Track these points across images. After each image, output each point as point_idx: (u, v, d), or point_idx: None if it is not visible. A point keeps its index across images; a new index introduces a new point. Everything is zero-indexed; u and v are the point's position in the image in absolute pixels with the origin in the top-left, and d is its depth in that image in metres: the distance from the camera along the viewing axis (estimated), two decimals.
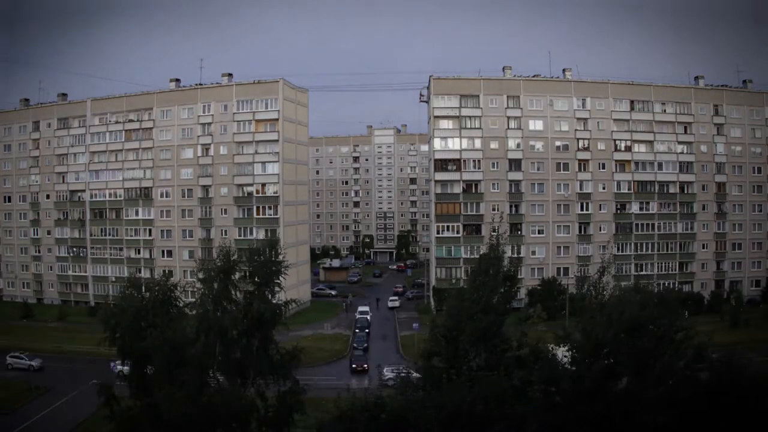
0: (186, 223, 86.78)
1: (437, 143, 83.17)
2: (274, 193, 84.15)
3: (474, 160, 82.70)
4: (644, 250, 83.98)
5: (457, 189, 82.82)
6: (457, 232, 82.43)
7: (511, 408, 17.67)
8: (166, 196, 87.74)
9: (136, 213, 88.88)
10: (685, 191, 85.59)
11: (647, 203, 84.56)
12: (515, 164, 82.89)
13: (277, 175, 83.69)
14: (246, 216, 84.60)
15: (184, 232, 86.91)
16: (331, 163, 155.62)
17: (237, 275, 26.21)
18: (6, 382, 54.75)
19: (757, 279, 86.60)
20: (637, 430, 18.40)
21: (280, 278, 26.58)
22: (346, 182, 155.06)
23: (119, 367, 48.94)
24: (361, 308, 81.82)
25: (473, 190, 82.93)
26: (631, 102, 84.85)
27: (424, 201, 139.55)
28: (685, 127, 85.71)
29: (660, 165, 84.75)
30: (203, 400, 22.96)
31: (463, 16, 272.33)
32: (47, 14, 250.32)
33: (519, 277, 68.36)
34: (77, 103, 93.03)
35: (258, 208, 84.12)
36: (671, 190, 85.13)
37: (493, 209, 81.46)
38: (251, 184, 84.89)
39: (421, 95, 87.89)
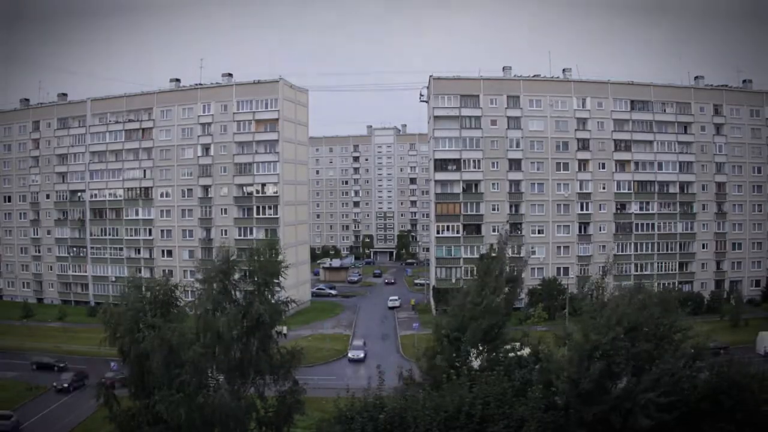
0: (186, 223, 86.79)
1: (437, 143, 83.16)
2: (274, 193, 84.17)
3: (474, 160, 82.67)
4: (644, 250, 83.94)
5: (457, 189, 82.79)
6: (457, 232, 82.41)
7: (511, 408, 17.65)
8: (166, 196, 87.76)
9: (136, 213, 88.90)
10: (685, 191, 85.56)
11: (647, 203, 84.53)
12: (515, 164, 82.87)
13: (277, 175, 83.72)
14: (246, 216, 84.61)
15: (184, 232, 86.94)
16: (331, 163, 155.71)
17: (237, 275, 26.21)
18: (6, 382, 54.83)
19: (757, 279, 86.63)
20: (637, 430, 18.40)
21: (280, 278, 26.58)
22: (346, 182, 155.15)
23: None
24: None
25: (473, 190, 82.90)
26: (631, 102, 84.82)
27: (424, 201, 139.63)
28: (685, 127, 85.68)
29: (660, 165, 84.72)
30: (202, 400, 22.96)
31: (464, 15, 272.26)
32: (47, 14, 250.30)
33: (522, 277, 68.45)
34: (77, 103, 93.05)
35: (258, 208, 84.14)
36: (671, 190, 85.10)
37: (493, 209, 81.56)
38: (251, 184, 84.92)
39: (421, 95, 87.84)
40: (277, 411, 26.11)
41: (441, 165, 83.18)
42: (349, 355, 64.05)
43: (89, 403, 34.41)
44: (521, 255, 78.00)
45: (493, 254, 24.56)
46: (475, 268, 26.05)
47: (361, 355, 63.28)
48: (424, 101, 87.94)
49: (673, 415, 18.20)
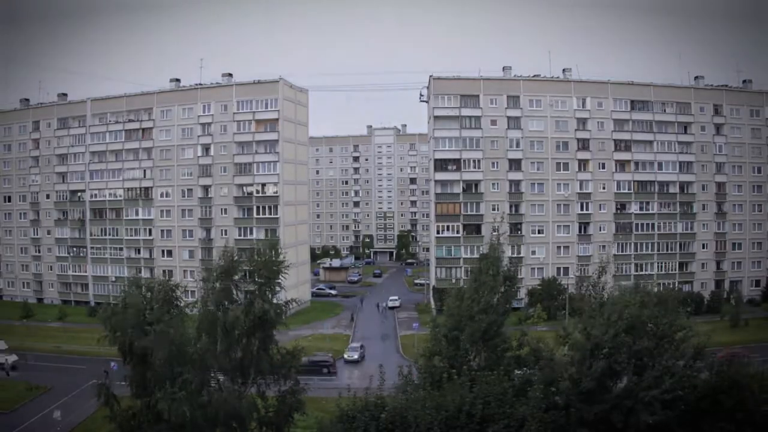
0: (186, 223, 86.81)
1: (437, 143, 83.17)
2: (274, 193, 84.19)
3: (474, 160, 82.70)
4: (644, 250, 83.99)
5: (457, 189, 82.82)
6: (457, 232, 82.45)
7: (511, 408, 17.69)
8: (166, 196, 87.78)
9: (136, 213, 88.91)
10: (685, 191, 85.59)
11: (647, 203, 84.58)
12: (515, 164, 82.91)
13: (277, 175, 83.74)
14: (246, 216, 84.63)
15: (184, 232, 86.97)
16: (331, 163, 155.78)
17: (238, 275, 26.23)
18: (6, 382, 54.82)
19: (757, 279, 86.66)
20: (638, 429, 18.42)
21: (281, 278, 26.58)
22: (346, 182, 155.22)
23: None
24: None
25: (473, 190, 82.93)
26: (631, 102, 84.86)
27: (424, 201, 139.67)
28: (685, 127, 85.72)
29: (660, 165, 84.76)
30: (203, 400, 22.97)
31: (464, 15, 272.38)
32: (47, 14, 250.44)
33: (519, 277, 68.68)
34: (77, 103, 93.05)
35: (258, 208, 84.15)
36: (671, 190, 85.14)
37: (493, 209, 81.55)
38: (251, 184, 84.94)
39: (421, 95, 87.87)
40: (278, 411, 26.11)
41: (441, 165, 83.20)
42: (345, 356, 62.36)
43: (89, 403, 34.44)
44: (521, 255, 78.37)
45: (492, 253, 24.52)
46: (473, 268, 25.97)
47: (355, 356, 61.59)
48: (424, 101, 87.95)
49: (674, 412, 18.23)
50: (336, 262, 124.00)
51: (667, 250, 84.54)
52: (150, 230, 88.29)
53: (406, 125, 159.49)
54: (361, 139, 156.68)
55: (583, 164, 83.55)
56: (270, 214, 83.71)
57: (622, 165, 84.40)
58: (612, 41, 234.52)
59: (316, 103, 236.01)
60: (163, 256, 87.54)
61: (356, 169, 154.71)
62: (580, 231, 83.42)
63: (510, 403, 17.83)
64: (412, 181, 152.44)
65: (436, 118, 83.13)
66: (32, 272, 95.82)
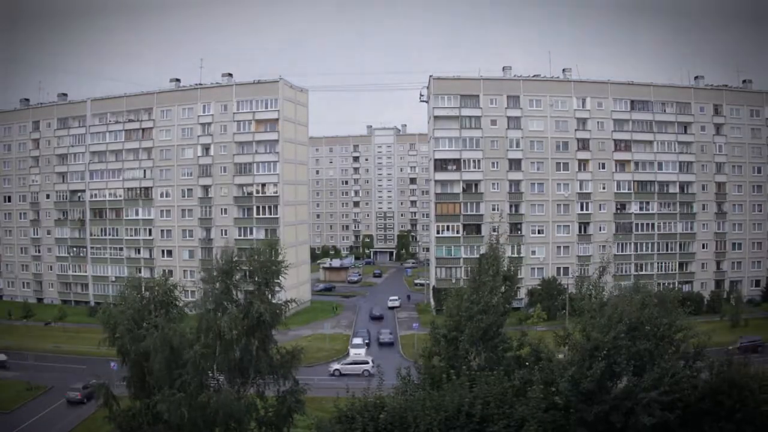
0: (186, 223, 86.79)
1: (437, 143, 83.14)
2: (274, 193, 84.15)
3: (474, 160, 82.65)
4: (644, 250, 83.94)
5: (457, 189, 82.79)
6: (457, 232, 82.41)
7: (511, 408, 17.66)
8: (166, 196, 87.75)
9: (136, 213, 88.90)
10: (685, 191, 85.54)
11: (647, 203, 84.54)
12: (515, 164, 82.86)
13: (277, 175, 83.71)
14: (246, 216, 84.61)
15: (184, 232, 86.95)
16: (331, 163, 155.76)
17: (238, 275, 26.18)
18: (6, 382, 54.84)
19: (757, 279, 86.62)
20: (638, 429, 18.40)
21: (280, 278, 26.55)
22: (346, 182, 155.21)
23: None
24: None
25: (473, 190, 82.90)
26: (631, 102, 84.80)
27: (424, 201, 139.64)
28: (685, 127, 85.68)
29: (660, 165, 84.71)
30: (202, 400, 22.95)
31: (464, 15, 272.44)
32: (47, 14, 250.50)
33: (519, 277, 68.64)
34: (77, 103, 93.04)
35: (258, 208, 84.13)
36: (671, 190, 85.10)
37: (493, 209, 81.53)
38: (251, 184, 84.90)
39: (421, 95, 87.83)
40: (277, 411, 26.09)
41: (441, 165, 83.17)
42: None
43: (89, 403, 34.53)
44: (521, 255, 78.28)
45: (491, 253, 24.48)
46: (472, 268, 25.92)
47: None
48: (424, 101, 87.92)
49: (674, 413, 18.21)
50: (336, 262, 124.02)
51: (667, 250, 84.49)
52: (150, 230, 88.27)
53: (406, 125, 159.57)
54: (361, 139, 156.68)
55: (583, 164, 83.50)
56: (270, 214, 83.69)
57: (622, 165, 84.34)
58: (612, 41, 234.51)
59: (316, 103, 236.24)
60: (163, 256, 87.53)
61: (356, 169, 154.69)
62: (580, 231, 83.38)
63: (510, 404, 17.80)
64: (412, 181, 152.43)
65: (436, 118, 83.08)
66: (32, 272, 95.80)
